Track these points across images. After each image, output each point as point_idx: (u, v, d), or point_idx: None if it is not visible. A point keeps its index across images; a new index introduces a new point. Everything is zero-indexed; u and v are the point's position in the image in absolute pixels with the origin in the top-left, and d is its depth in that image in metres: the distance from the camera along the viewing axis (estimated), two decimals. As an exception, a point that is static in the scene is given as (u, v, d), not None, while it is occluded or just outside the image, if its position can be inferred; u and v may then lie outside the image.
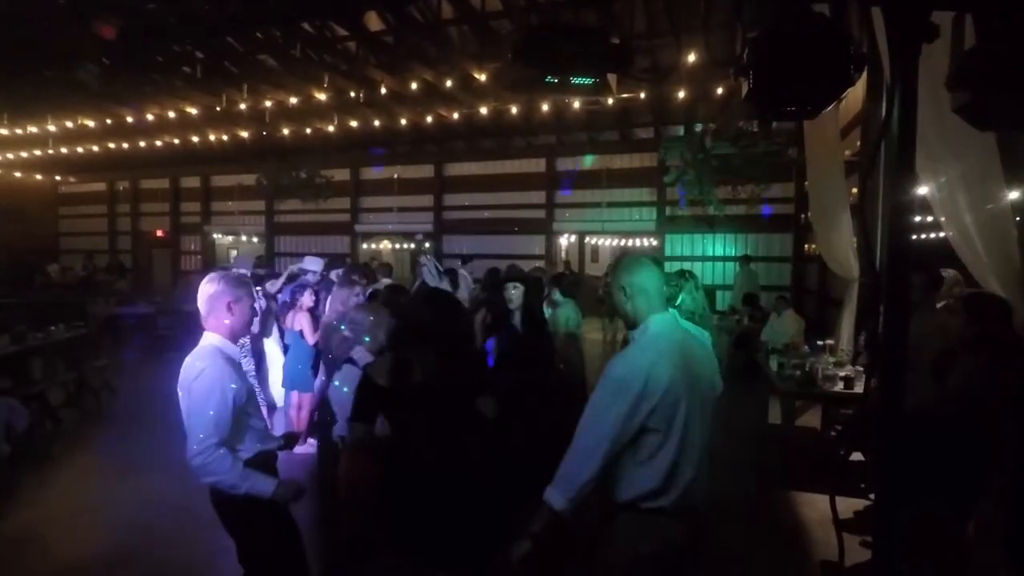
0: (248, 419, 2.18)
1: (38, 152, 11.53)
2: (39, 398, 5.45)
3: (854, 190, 6.23)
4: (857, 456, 4.17)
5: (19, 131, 9.83)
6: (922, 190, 3.38)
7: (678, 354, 1.80)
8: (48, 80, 7.45)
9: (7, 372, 5.33)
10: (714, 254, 10.26)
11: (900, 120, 0.92)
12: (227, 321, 2.19)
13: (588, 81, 2.42)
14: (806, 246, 9.23)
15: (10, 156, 12.08)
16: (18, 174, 14.51)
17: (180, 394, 2.11)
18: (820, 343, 5.03)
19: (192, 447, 2.01)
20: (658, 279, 1.94)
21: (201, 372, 2.05)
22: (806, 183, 6.59)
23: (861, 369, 4.32)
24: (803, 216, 9.03)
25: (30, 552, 3.53)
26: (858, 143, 6.09)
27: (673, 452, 1.75)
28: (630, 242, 11.73)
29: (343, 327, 3.07)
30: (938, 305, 3.58)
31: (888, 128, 0.93)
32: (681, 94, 7.44)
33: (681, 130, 9.56)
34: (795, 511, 3.89)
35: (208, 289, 2.19)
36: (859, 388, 4.14)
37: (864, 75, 5.94)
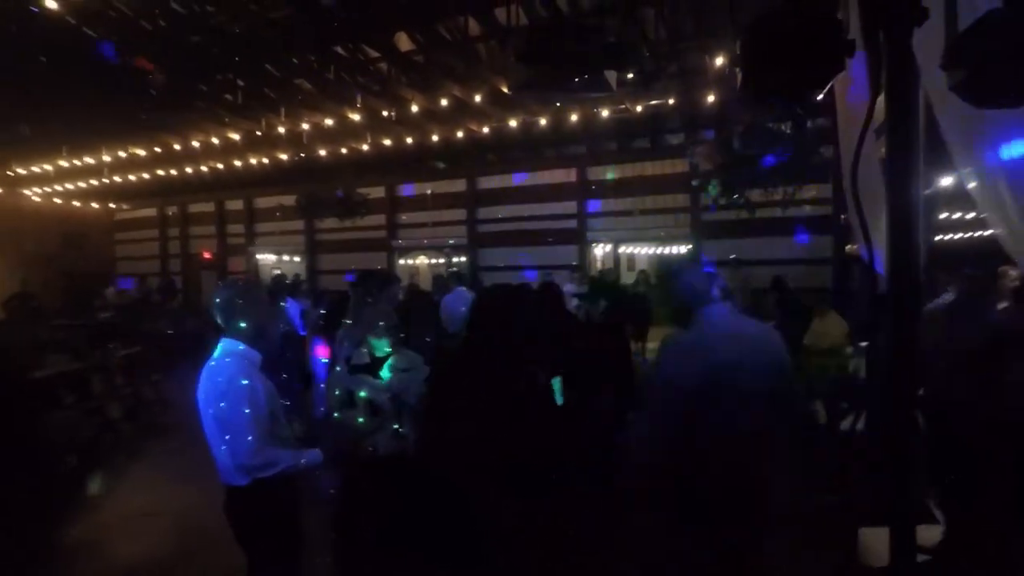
0: (272, 426, 2.17)
1: (95, 182, 12.22)
2: (100, 412, 5.75)
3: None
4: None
5: (77, 162, 10.45)
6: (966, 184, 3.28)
7: (733, 342, 1.82)
8: (102, 113, 7.92)
9: (70, 388, 5.64)
10: (750, 258, 10.07)
11: (895, 111, 0.93)
12: (244, 327, 2.19)
13: (588, 78, 2.48)
14: (847, 247, 8.98)
15: (70, 186, 12.85)
16: (77, 203, 15.38)
17: (205, 403, 2.11)
18: (863, 344, 4.89)
19: (242, 451, 2.02)
20: (701, 275, 1.98)
21: (231, 377, 2.07)
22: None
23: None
24: (842, 216, 8.79)
25: (93, 555, 3.74)
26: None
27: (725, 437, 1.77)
28: (665, 249, 11.62)
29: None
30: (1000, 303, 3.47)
31: (868, 120, 0.95)
32: (711, 98, 7.40)
33: (712, 135, 9.46)
34: (844, 515, 3.77)
35: (222, 297, 2.21)
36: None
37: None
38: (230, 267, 15.28)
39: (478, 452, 1.99)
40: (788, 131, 6.98)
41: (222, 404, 2.05)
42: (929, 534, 3.46)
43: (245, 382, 2.07)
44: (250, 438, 2.03)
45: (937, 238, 8.65)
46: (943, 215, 8.37)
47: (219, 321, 2.21)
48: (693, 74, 7.69)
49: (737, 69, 1.06)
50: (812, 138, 7.19)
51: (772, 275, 9.22)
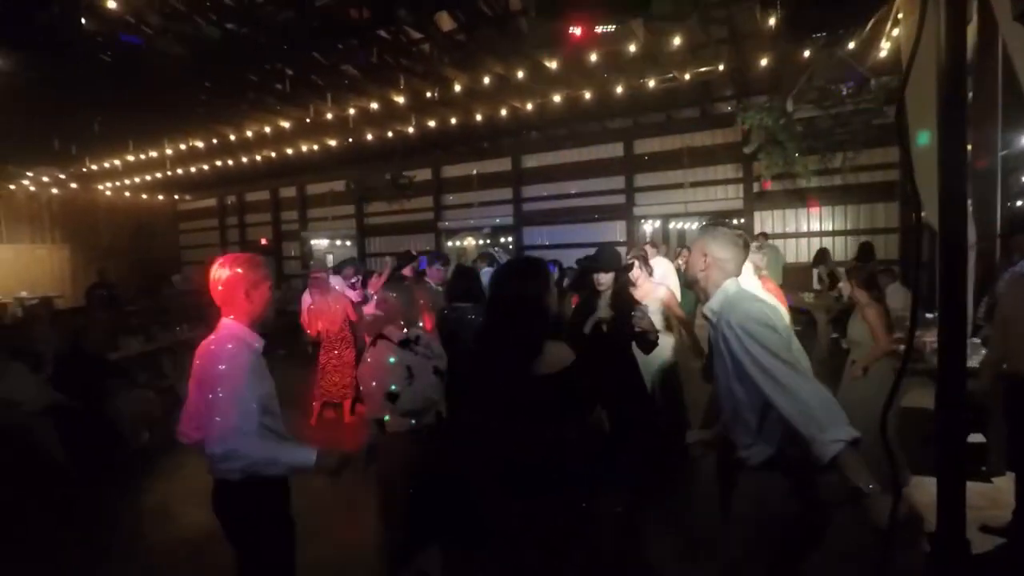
0: (266, 419, 1.96)
1: (159, 175, 12.81)
2: (170, 391, 6.10)
3: (968, 146, 5.65)
4: (978, 437, 3.82)
5: (142, 156, 10.97)
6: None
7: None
8: (163, 107, 8.27)
9: (143, 368, 6.01)
10: (809, 230, 9.65)
11: (948, 60, 0.84)
12: (246, 308, 2.02)
13: (611, 28, 2.39)
14: (915, 214, 8.46)
15: (136, 180, 13.53)
16: (144, 196, 16.21)
17: (196, 383, 1.95)
18: (929, 316, 4.62)
19: (213, 433, 1.81)
20: (739, 253, 1.93)
21: (227, 357, 1.90)
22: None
23: (979, 342, 3.93)
24: (913, 182, 8.27)
25: (166, 521, 4.01)
26: (970, 94, 5.51)
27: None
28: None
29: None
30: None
31: (909, 72, 0.86)
32: (764, 62, 7.04)
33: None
34: (906, 493, 3.61)
35: (223, 275, 2.00)
36: (976, 363, 3.77)
37: (974, 20, 5.37)
38: (284, 252, 15.84)
39: (481, 450, 1.98)
40: (847, 91, 6.59)
41: (213, 382, 1.87)
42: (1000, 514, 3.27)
43: (240, 365, 1.91)
44: (218, 419, 1.82)
45: (1020, 203, 8.06)
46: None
47: (219, 300, 2.03)
48: (745, 37, 7.34)
49: (771, 9, 0.99)
50: (876, 98, 6.76)
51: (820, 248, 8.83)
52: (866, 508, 1.69)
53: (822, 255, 8.26)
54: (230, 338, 1.97)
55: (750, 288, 1.95)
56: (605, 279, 3.29)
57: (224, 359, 1.91)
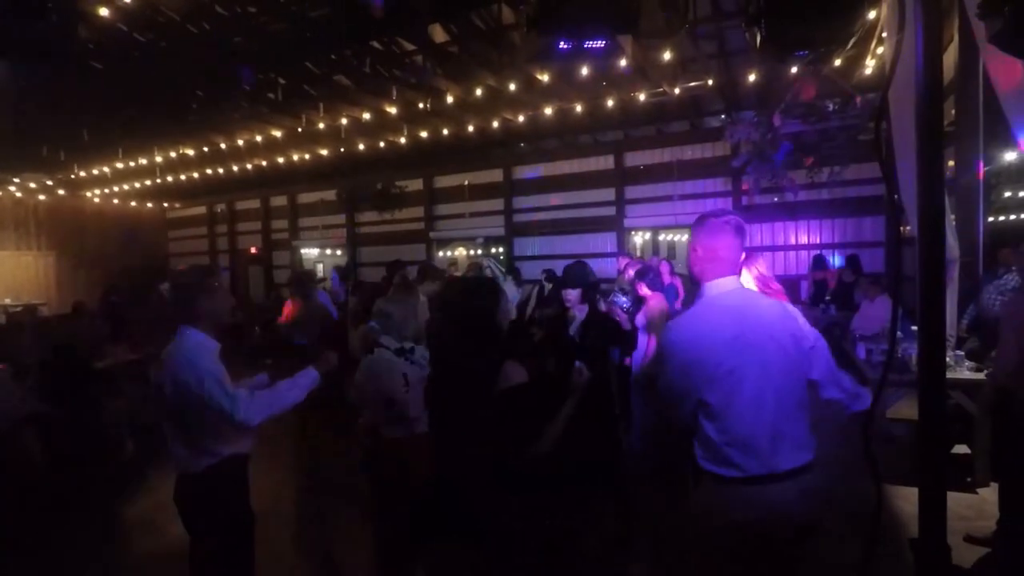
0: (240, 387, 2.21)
1: (148, 182, 12.76)
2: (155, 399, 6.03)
3: (950, 163, 5.76)
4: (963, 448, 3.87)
5: (132, 163, 10.92)
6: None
7: (737, 316, 1.76)
8: (154, 115, 8.25)
9: (128, 376, 5.94)
10: (796, 243, 9.76)
11: (925, 69, 0.88)
12: (202, 314, 2.18)
13: (601, 44, 2.42)
14: (901, 228, 8.60)
15: (126, 187, 13.46)
16: (133, 203, 16.11)
17: (172, 387, 2.08)
18: (914, 328, 4.68)
19: (229, 413, 2.04)
20: (735, 246, 1.88)
21: (190, 361, 2.08)
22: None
23: (962, 355, 3.99)
24: (896, 196, 8.41)
25: (151, 533, 3.95)
26: (953, 112, 5.63)
27: (743, 417, 1.71)
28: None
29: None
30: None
31: (890, 80, 0.89)
32: (752, 77, 7.16)
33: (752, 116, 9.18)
34: (891, 504, 3.65)
35: (178, 283, 2.21)
36: (959, 375, 3.83)
37: (956, 38, 5.49)
38: (274, 261, 15.76)
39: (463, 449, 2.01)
40: (833, 107, 6.71)
41: (192, 385, 2.05)
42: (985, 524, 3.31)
43: (205, 362, 2.10)
44: (219, 399, 2.05)
45: (1002, 217, 8.21)
46: (1007, 193, 7.91)
47: (175, 307, 2.21)
48: (734, 53, 7.47)
49: (755, 28, 1.02)
50: (861, 114, 6.89)
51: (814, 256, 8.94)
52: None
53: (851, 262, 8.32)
54: (191, 342, 2.14)
55: (733, 287, 1.90)
56: (573, 295, 3.34)
57: (191, 362, 2.08)
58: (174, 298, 2.21)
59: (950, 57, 5.59)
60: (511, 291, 6.97)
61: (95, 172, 11.56)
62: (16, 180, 12.22)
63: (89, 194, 14.47)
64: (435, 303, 3.94)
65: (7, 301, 12.21)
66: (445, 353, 2.09)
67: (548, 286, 7.92)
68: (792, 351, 1.80)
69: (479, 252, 12.95)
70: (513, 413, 1.91)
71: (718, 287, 1.85)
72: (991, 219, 6.80)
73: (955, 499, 3.31)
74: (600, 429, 2.82)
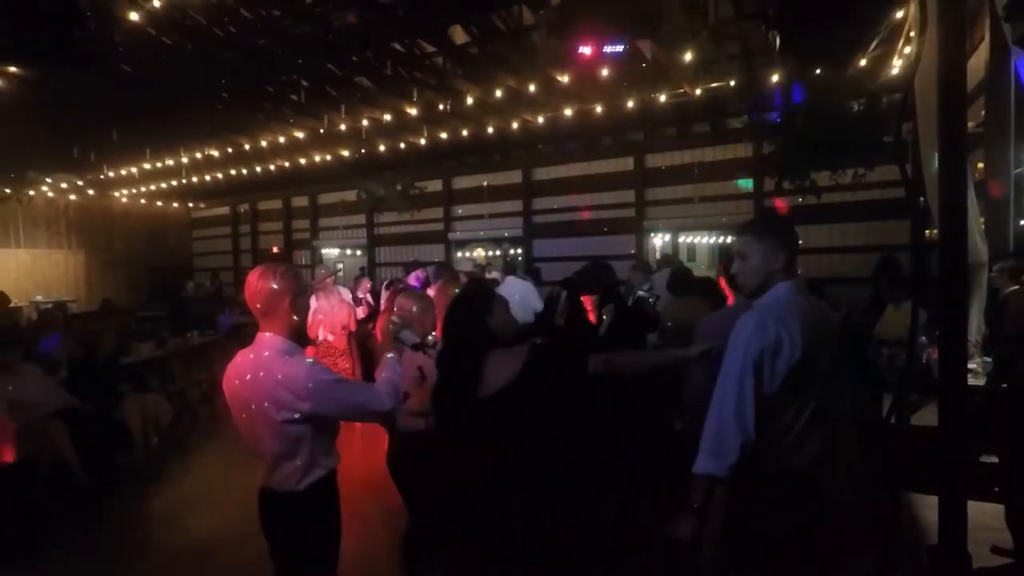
0: (328, 428, 2.05)
1: (174, 182, 13.01)
2: (180, 395, 6.16)
3: (980, 165, 5.63)
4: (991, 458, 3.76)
5: (159, 164, 11.16)
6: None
7: (807, 318, 1.75)
8: (180, 117, 8.43)
9: (153, 373, 6.07)
10: (818, 245, 9.60)
11: (947, 72, 0.86)
12: (289, 321, 1.95)
13: (620, 48, 2.42)
14: (927, 232, 8.40)
15: (152, 187, 13.74)
16: (159, 203, 16.45)
17: (273, 405, 1.87)
18: (939, 333, 4.57)
19: (379, 409, 1.98)
20: (786, 245, 1.89)
21: (309, 364, 1.90)
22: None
23: (989, 360, 3.89)
24: (922, 199, 8.23)
25: (173, 526, 4.04)
26: (982, 113, 5.49)
27: (806, 419, 1.73)
28: (728, 238, 11.23)
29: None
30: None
31: (911, 83, 0.88)
32: (775, 78, 7.07)
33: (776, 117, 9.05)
34: (914, 513, 3.58)
35: (264, 286, 1.92)
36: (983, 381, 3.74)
37: (986, 38, 5.37)
38: (295, 261, 15.94)
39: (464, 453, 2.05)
40: (858, 108, 6.59)
41: (323, 392, 1.88)
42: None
43: (321, 364, 2.00)
44: (365, 399, 1.97)
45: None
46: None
47: (259, 311, 1.96)
48: (756, 54, 7.37)
49: (774, 32, 1.01)
50: (886, 115, 6.75)
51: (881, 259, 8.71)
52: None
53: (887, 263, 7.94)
54: (283, 350, 1.93)
55: (797, 289, 1.89)
56: (591, 301, 3.34)
57: (310, 366, 1.91)
58: (260, 301, 1.95)
59: (981, 57, 5.45)
60: (529, 291, 6.97)
61: (123, 173, 11.82)
62: (48, 181, 12.55)
63: (117, 194, 14.80)
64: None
65: (39, 298, 12.55)
66: (444, 358, 2.15)
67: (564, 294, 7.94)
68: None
69: (497, 253, 12.97)
70: (497, 416, 1.95)
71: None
72: (1023, 223, 6.61)
73: (982, 509, 3.23)
74: (599, 429, 2.82)
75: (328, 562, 2.09)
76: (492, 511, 2.00)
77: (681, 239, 12.90)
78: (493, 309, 2.11)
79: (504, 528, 1.97)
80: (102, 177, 12.15)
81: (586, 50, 2.43)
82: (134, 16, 5.53)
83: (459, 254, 13.34)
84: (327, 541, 2.09)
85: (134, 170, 11.62)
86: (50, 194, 13.73)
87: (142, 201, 15.79)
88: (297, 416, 1.87)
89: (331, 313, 5.91)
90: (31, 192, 13.16)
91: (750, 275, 1.90)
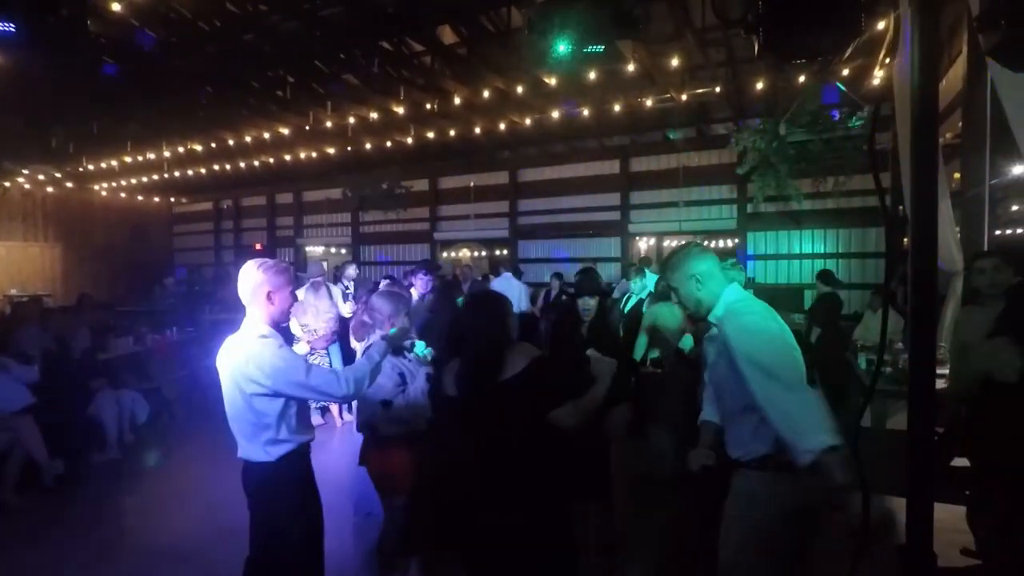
0: (294, 405, 2.24)
1: (155, 177, 12.82)
2: (156, 393, 6.06)
3: (956, 176, 5.75)
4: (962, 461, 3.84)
5: (140, 158, 10.98)
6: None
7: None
8: (163, 110, 8.30)
9: (131, 369, 5.96)
10: (800, 251, 9.74)
11: (920, 81, 0.88)
12: (269, 310, 2.20)
13: (600, 49, 2.44)
14: (904, 239, 8.57)
15: (133, 181, 13.51)
16: (140, 197, 16.19)
17: (244, 378, 2.10)
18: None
19: (335, 394, 2.16)
20: (717, 261, 2.09)
21: (276, 347, 2.12)
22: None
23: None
24: (900, 208, 8.39)
25: (149, 522, 3.96)
26: (959, 124, 5.62)
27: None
28: (711, 242, 11.34)
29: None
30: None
31: (878, 109, 0.90)
32: (759, 85, 7.16)
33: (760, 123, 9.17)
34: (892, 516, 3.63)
35: (249, 279, 2.19)
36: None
37: (964, 51, 5.47)
38: (278, 258, 15.71)
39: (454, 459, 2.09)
40: (839, 117, 6.71)
41: (280, 372, 2.08)
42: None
43: (288, 349, 2.18)
44: (324, 385, 2.14)
45: (1008, 231, 8.16)
46: (1015, 207, 7.88)
47: (244, 300, 2.22)
48: (741, 61, 7.47)
49: (754, 36, 1.03)
50: (867, 124, 6.88)
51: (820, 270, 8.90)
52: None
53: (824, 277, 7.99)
54: (264, 332, 2.17)
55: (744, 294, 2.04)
56: (591, 304, 3.32)
57: (278, 349, 2.12)
58: (245, 292, 2.21)
59: (959, 69, 5.57)
60: (523, 291, 6.99)
61: (103, 165, 11.61)
62: (25, 171, 12.29)
63: (96, 187, 14.54)
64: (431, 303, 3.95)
65: (13, 292, 12.28)
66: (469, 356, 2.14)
67: (557, 284, 7.94)
68: None
69: (483, 254, 12.97)
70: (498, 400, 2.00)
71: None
72: (998, 232, 6.77)
73: (953, 512, 3.29)
74: (591, 440, 2.84)
75: (299, 528, 2.26)
76: (468, 512, 2.00)
77: (666, 243, 13.01)
78: (511, 310, 2.21)
79: (479, 530, 1.98)
80: (81, 169, 11.93)
81: (564, 48, 2.44)
82: (116, 7, 5.45)
83: (444, 254, 13.31)
84: (299, 509, 2.27)
85: (114, 163, 11.42)
86: (27, 186, 13.45)
87: (122, 195, 15.52)
88: (263, 392, 2.11)
89: (318, 310, 5.87)
90: (7, 183, 12.88)
91: (691, 302, 2.07)
